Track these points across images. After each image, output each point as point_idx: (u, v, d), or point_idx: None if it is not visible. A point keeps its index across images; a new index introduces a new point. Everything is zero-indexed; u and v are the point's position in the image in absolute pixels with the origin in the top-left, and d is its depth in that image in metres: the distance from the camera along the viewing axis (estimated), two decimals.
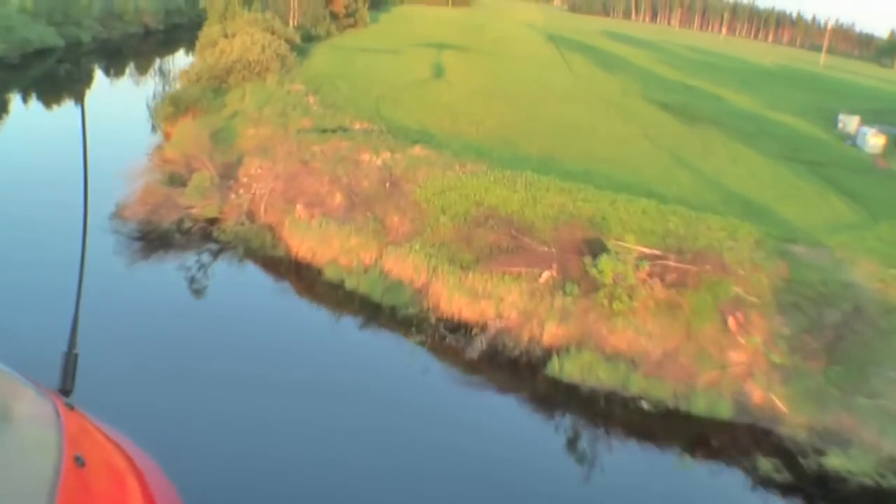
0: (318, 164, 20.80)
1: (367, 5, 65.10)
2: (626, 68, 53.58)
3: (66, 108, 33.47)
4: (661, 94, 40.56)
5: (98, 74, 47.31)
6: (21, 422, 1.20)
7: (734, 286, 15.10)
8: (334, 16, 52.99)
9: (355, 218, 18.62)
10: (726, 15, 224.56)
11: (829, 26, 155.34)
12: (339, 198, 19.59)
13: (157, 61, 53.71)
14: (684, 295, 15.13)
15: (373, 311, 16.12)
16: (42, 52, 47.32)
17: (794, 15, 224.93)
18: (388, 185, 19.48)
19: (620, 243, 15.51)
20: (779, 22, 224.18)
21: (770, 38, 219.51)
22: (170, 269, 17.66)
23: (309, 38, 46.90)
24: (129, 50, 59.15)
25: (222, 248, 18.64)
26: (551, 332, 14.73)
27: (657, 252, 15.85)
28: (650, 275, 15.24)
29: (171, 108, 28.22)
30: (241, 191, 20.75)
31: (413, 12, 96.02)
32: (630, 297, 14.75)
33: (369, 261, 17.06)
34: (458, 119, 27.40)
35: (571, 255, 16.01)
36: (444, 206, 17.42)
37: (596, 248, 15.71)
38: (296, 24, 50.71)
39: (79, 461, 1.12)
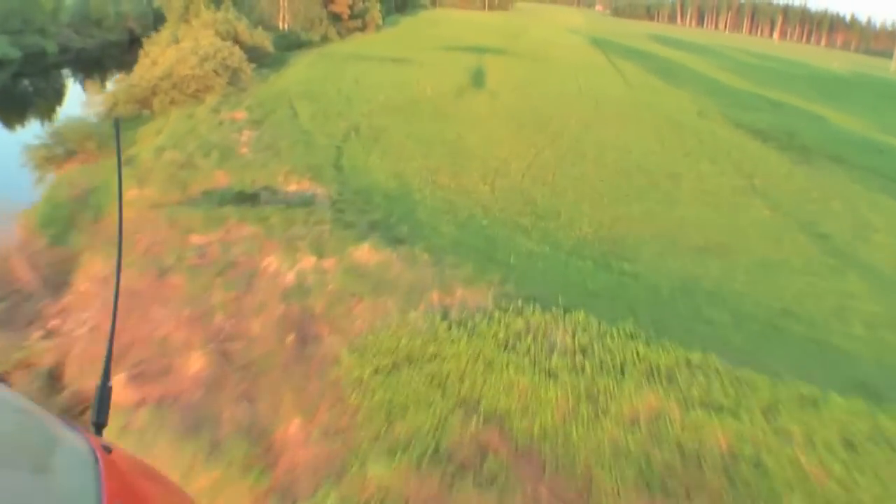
0: (179, 279, 11.08)
1: (380, 6, 55.33)
2: (688, 78, 43.01)
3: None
4: (747, 114, 30.13)
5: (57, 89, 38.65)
6: (58, 471, 1.11)
7: None
8: (336, 17, 43.52)
9: (218, 416, 8.82)
10: (777, 17, 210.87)
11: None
12: (197, 362, 9.75)
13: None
14: None
15: None
16: None
17: (848, 17, 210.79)
18: (292, 337, 9.65)
19: None
20: (832, 24, 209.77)
21: (823, 41, 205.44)
22: None
23: (298, 44, 37.37)
24: (110, 60, 50.58)
25: None
26: None
27: None
28: None
29: (46, 151, 18.76)
30: (51, 327, 11.19)
31: (443, 16, 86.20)
32: None
33: None
34: (464, 165, 17.26)
35: None
36: (395, 405, 7.52)
37: None
38: (286, 26, 41.22)
39: None
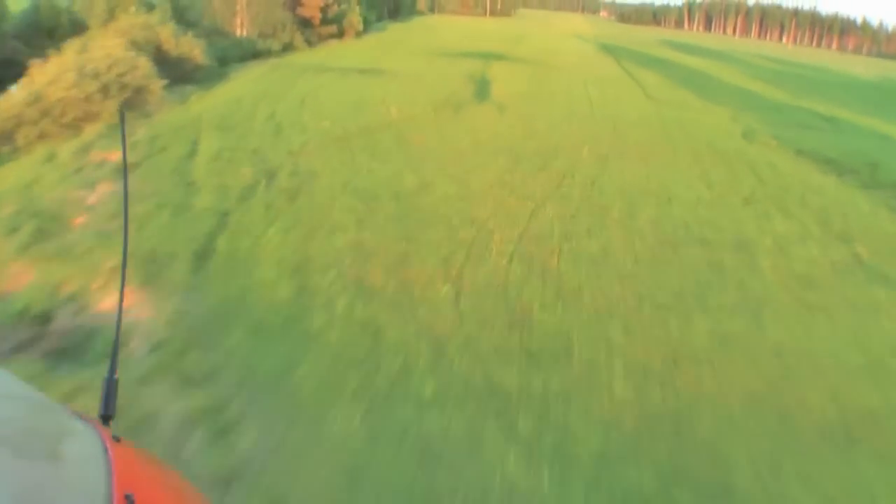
0: None
1: (370, 11, 49.04)
2: (718, 89, 36.42)
3: None
4: (803, 135, 23.49)
5: None
6: (69, 459, 1.10)
7: None
8: (306, 23, 37.19)
9: None
10: (787, 22, 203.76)
11: None
12: None
13: None
14: None
15: None
16: None
17: (859, 20, 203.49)
18: None
19: None
20: (843, 28, 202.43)
21: (834, 44, 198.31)
22: None
23: (254, 54, 31.01)
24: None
25: None
26: None
27: None
28: None
29: None
30: None
31: (440, 21, 79.97)
32: None
33: None
34: (420, 240, 10.67)
35: None
36: None
37: None
38: (244, 33, 34.85)
39: (129, 500, 1.05)
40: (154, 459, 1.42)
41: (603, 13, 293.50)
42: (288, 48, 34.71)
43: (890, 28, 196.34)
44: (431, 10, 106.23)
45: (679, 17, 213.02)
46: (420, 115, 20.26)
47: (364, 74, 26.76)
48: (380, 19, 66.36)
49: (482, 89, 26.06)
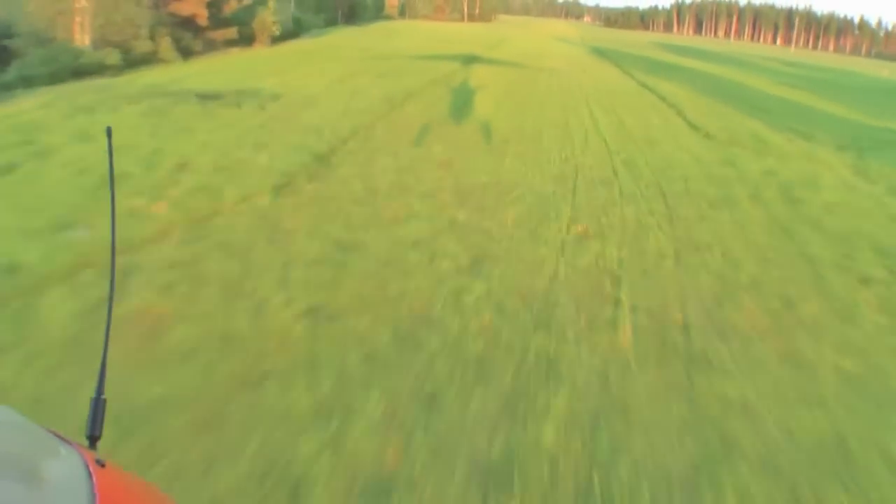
0: None
1: (294, 8, 37.95)
2: (774, 107, 25.50)
3: None
4: None
5: None
6: (49, 486, 1.01)
7: None
8: (187, 24, 26.03)
9: None
10: (781, 23, 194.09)
11: None
12: None
13: None
14: None
15: None
16: None
17: (857, 20, 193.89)
18: None
19: None
20: (840, 28, 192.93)
21: (831, 46, 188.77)
22: None
23: (74, 71, 19.93)
24: None
25: None
26: None
27: None
28: None
29: None
30: None
31: (408, 26, 68.74)
32: None
33: None
34: None
35: None
36: None
37: None
38: (86, 41, 23.67)
39: None
40: (141, 485, 1.27)
41: (587, 18, 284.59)
42: (147, 61, 23.41)
43: (890, 27, 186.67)
44: (402, 14, 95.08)
45: (668, 20, 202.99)
46: (255, 191, 9.02)
47: (222, 104, 15.45)
48: (331, 23, 55.22)
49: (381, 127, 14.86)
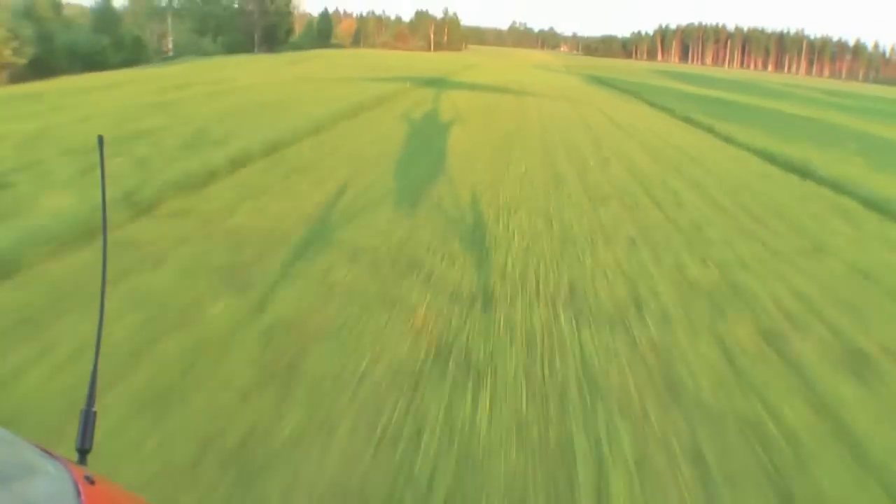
0: None
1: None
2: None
3: None
4: None
5: None
6: (36, 502, 0.99)
7: None
8: None
9: None
10: (772, 48, 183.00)
11: None
12: None
13: None
14: None
15: None
16: None
17: (853, 43, 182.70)
18: None
19: None
20: (834, 52, 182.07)
21: (826, 71, 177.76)
22: None
23: None
24: None
25: None
26: None
27: None
28: None
29: None
30: None
31: (349, 56, 54.47)
32: None
33: None
34: None
35: None
36: None
37: None
38: None
39: None
40: (131, 499, 1.22)
41: (563, 48, 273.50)
42: None
43: (888, 50, 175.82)
44: (357, 42, 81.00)
45: (652, 48, 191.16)
46: None
47: None
48: (235, 49, 40.71)
49: None
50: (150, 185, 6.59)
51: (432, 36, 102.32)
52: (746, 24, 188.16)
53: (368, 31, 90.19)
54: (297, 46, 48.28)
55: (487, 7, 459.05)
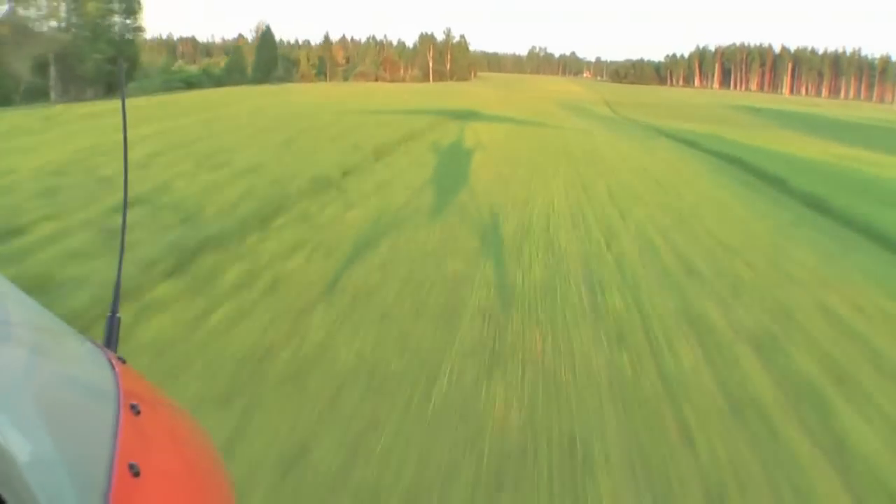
0: None
1: None
2: None
3: None
4: None
5: None
6: (77, 371, 1.13)
7: None
8: None
9: None
10: (826, 70, 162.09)
11: None
12: None
13: None
14: None
15: None
16: None
17: None
18: None
19: None
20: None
21: (889, 96, 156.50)
22: None
23: None
24: None
25: None
26: None
27: None
28: None
29: None
30: None
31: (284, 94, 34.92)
32: None
33: None
34: None
35: None
36: None
37: None
38: None
39: (134, 409, 1.07)
40: (152, 385, 1.36)
41: (586, 74, 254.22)
42: None
43: None
44: (321, 73, 61.88)
45: (689, 73, 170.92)
46: None
47: None
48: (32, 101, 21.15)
49: None
50: None
51: (431, 63, 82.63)
52: (792, 44, 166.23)
53: (363, 59, 71.26)
54: (147, 89, 28.70)
55: (505, 33, 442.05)
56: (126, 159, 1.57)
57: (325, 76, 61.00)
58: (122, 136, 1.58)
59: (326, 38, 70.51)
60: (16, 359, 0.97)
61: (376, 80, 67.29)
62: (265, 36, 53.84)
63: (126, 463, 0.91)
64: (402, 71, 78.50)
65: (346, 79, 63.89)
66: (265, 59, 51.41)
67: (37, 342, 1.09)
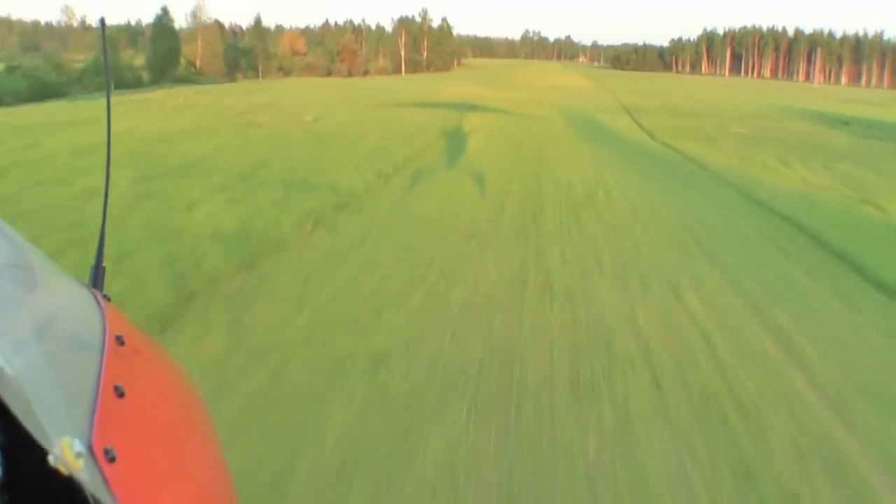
0: None
1: None
2: None
3: None
4: None
5: None
6: (66, 304, 1.15)
7: None
8: None
9: None
10: (846, 54, 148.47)
11: None
12: None
13: None
14: None
15: None
16: None
17: None
18: None
19: None
20: None
21: None
22: None
23: None
24: None
25: None
26: None
27: None
28: None
29: None
30: None
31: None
32: None
33: None
34: None
35: None
36: None
37: None
38: None
39: (119, 339, 1.10)
40: (134, 324, 1.34)
41: (582, 59, 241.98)
42: None
43: None
44: (251, 69, 47.79)
45: (695, 58, 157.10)
46: None
47: None
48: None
49: None
50: None
51: (402, 52, 68.54)
52: (807, 27, 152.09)
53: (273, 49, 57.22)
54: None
55: (498, 17, 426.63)
56: (109, 105, 1.55)
57: (258, 72, 47.05)
58: None
59: (258, 21, 56.63)
60: (9, 291, 0.98)
61: (328, 74, 53.47)
62: (161, 21, 39.95)
63: (111, 385, 0.93)
64: (364, 62, 64.20)
65: (287, 75, 49.98)
66: (163, 53, 37.88)
67: (28, 278, 1.10)
